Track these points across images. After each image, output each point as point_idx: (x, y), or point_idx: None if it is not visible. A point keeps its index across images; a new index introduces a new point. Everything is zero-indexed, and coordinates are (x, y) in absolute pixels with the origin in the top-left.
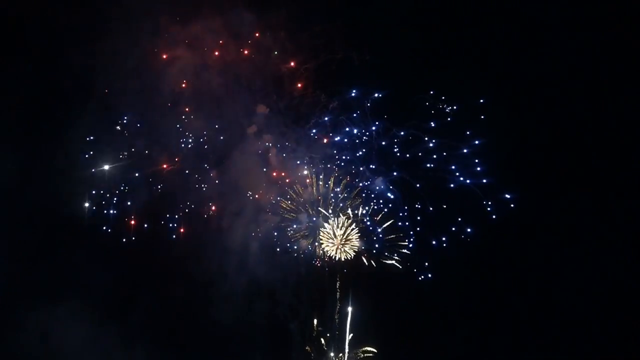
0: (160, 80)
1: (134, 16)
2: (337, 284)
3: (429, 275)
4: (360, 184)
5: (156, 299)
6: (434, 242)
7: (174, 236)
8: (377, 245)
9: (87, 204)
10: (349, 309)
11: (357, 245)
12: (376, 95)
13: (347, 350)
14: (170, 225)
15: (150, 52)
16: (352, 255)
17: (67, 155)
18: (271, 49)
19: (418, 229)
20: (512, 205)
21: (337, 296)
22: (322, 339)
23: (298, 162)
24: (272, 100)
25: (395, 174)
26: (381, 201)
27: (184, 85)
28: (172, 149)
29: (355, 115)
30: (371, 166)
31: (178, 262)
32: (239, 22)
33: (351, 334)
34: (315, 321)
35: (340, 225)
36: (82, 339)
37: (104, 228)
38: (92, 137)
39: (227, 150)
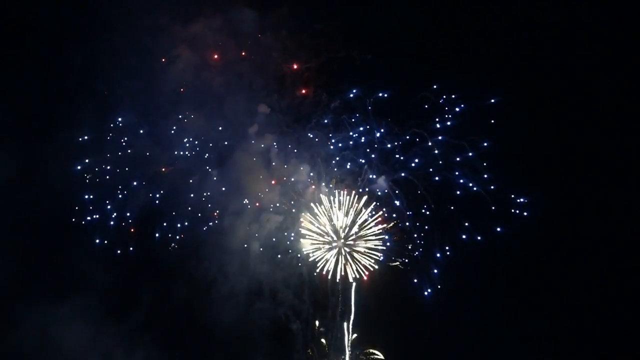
0: (160, 80)
1: (135, 16)
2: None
3: (439, 287)
4: (362, 188)
5: (157, 300)
6: (438, 255)
7: (176, 240)
8: (381, 255)
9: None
10: (352, 309)
11: (367, 247)
12: (379, 94)
13: (348, 351)
14: (170, 235)
15: (151, 52)
16: (362, 268)
17: (65, 157)
18: (272, 48)
19: (422, 235)
20: (525, 214)
21: (339, 297)
22: (323, 340)
23: (299, 162)
24: (273, 99)
25: (402, 174)
26: (384, 208)
27: (182, 90)
28: (173, 150)
29: (357, 115)
30: (372, 173)
31: (179, 263)
32: (240, 21)
33: (354, 335)
34: (317, 322)
35: (346, 205)
36: (82, 339)
37: (98, 240)
38: (90, 139)
39: (228, 151)
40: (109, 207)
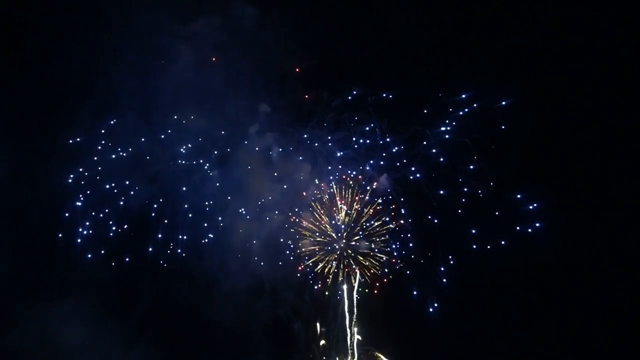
0: (158, 79)
1: (132, 13)
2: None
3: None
4: (364, 186)
5: (157, 298)
6: (442, 269)
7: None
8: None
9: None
10: (354, 311)
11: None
12: (382, 93)
13: (350, 352)
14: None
15: (149, 50)
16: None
17: (58, 159)
18: (273, 46)
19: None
20: (537, 225)
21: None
22: (324, 342)
23: (300, 161)
24: (274, 98)
25: (405, 174)
26: (391, 206)
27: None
28: (172, 151)
29: (359, 113)
30: (374, 172)
31: (179, 262)
32: (240, 19)
33: (357, 336)
34: (318, 323)
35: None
36: (81, 338)
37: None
38: (83, 141)
39: (228, 150)
40: (101, 215)
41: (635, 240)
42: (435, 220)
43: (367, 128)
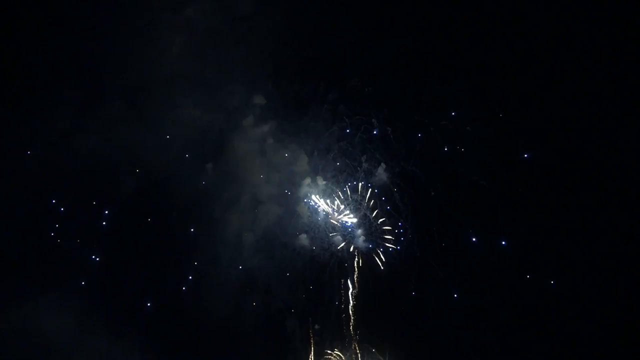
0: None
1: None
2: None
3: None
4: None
5: (150, 294)
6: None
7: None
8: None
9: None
10: (351, 307)
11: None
12: (379, 84)
13: (346, 349)
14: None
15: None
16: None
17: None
18: (268, 35)
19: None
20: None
21: (341, 292)
22: (319, 338)
23: (296, 153)
24: (269, 89)
25: (403, 166)
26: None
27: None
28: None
29: (356, 105)
30: (372, 165)
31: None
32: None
33: (353, 334)
34: (310, 319)
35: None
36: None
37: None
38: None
39: (224, 141)
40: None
41: None
42: (434, 215)
43: (364, 120)
